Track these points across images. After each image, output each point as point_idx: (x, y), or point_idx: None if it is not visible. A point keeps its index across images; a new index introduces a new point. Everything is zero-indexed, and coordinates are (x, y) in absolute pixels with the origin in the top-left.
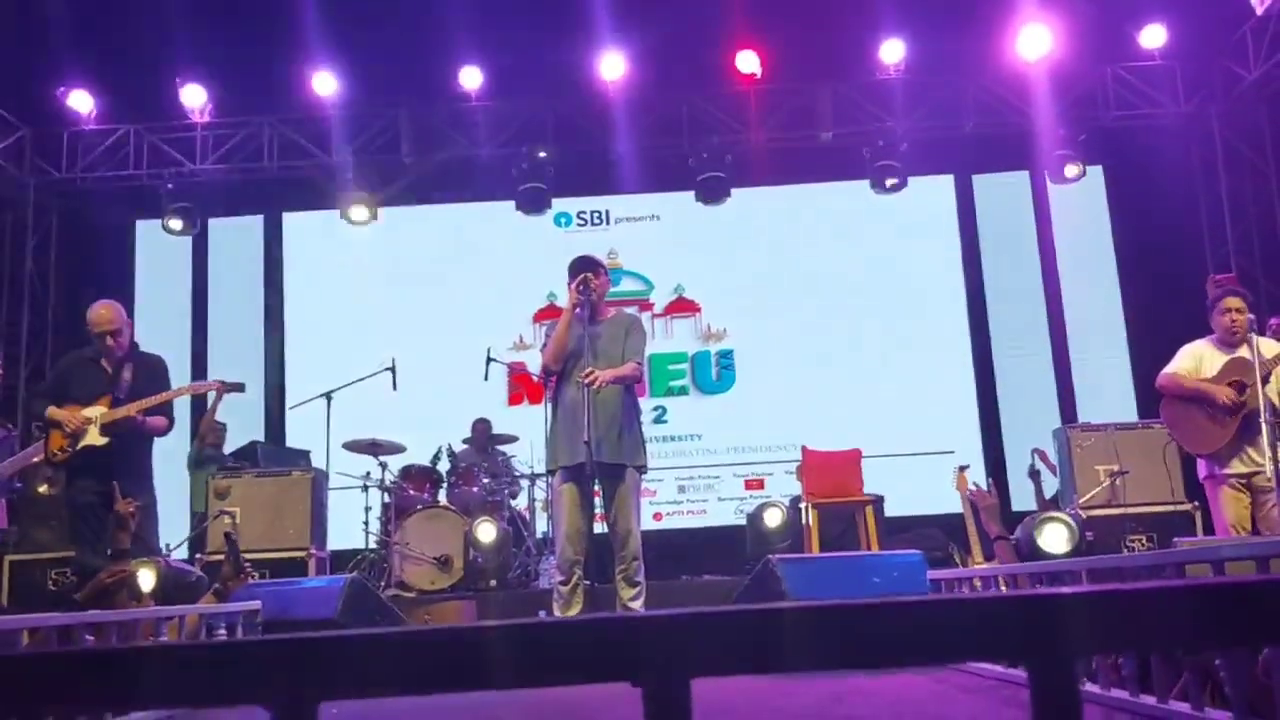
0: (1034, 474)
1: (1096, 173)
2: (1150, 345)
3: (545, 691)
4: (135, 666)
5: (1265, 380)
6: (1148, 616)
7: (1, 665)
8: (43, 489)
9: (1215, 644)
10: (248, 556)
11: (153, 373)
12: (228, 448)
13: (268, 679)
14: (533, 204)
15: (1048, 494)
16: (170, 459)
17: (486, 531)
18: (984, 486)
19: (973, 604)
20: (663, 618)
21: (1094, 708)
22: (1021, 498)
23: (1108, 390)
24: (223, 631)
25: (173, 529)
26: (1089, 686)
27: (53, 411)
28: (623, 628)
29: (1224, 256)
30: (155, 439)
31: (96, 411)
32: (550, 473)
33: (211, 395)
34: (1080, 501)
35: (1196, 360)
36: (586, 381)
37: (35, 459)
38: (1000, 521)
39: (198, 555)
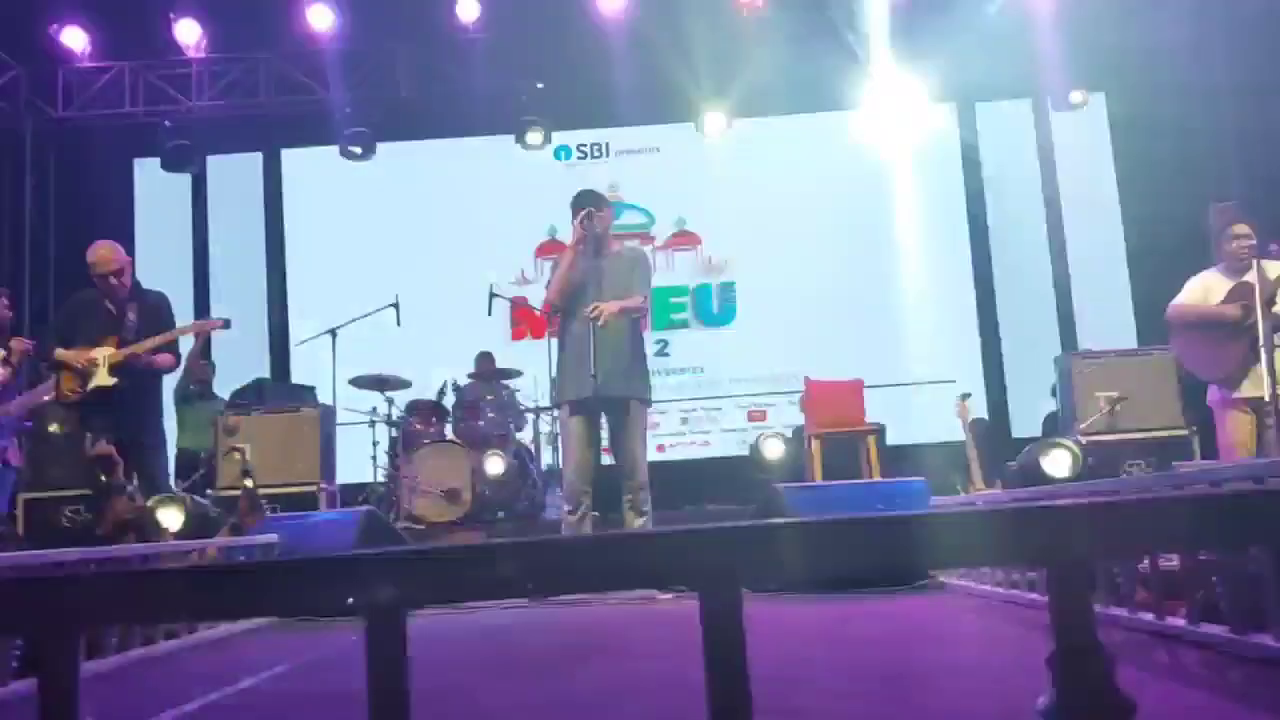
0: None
1: (1099, 99)
2: (1151, 272)
3: (566, 613)
4: (244, 579)
5: (1271, 302)
6: (1150, 524)
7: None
8: (54, 428)
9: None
10: (259, 491)
11: (157, 310)
12: (227, 385)
13: (365, 589)
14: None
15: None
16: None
17: (495, 464)
18: (985, 415)
19: (1001, 513)
20: (719, 530)
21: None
22: (1022, 425)
23: (1108, 317)
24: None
25: None
26: None
27: (61, 353)
28: (683, 540)
29: (1226, 183)
30: (163, 377)
31: (104, 352)
32: (557, 406)
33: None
34: (1080, 428)
35: (1204, 290)
36: (593, 315)
37: (46, 397)
38: None
39: (208, 491)
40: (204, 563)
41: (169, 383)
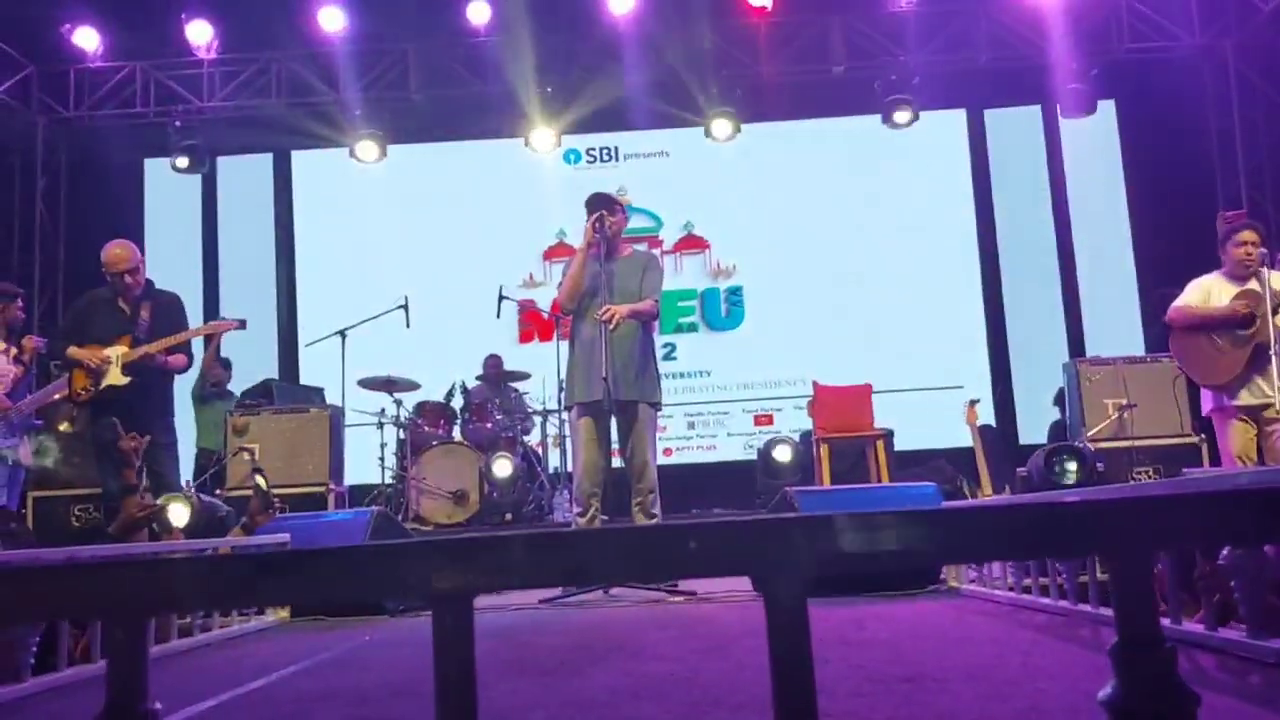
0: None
1: (1108, 106)
2: (1159, 279)
3: (577, 614)
4: (307, 565)
5: (1275, 311)
6: (1218, 517)
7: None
8: (64, 426)
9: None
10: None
11: (170, 310)
12: (238, 386)
13: (431, 574)
14: None
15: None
16: (181, 395)
17: (503, 466)
18: (993, 421)
19: (1069, 506)
20: (783, 521)
21: (1107, 629)
22: (1029, 431)
23: (1116, 324)
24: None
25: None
26: (1102, 609)
27: (74, 351)
28: (749, 531)
29: (1235, 190)
30: (175, 376)
31: (117, 351)
32: (567, 408)
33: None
34: (1089, 434)
35: (1205, 293)
36: (604, 318)
37: (56, 396)
38: None
39: (218, 490)
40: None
41: (185, 383)
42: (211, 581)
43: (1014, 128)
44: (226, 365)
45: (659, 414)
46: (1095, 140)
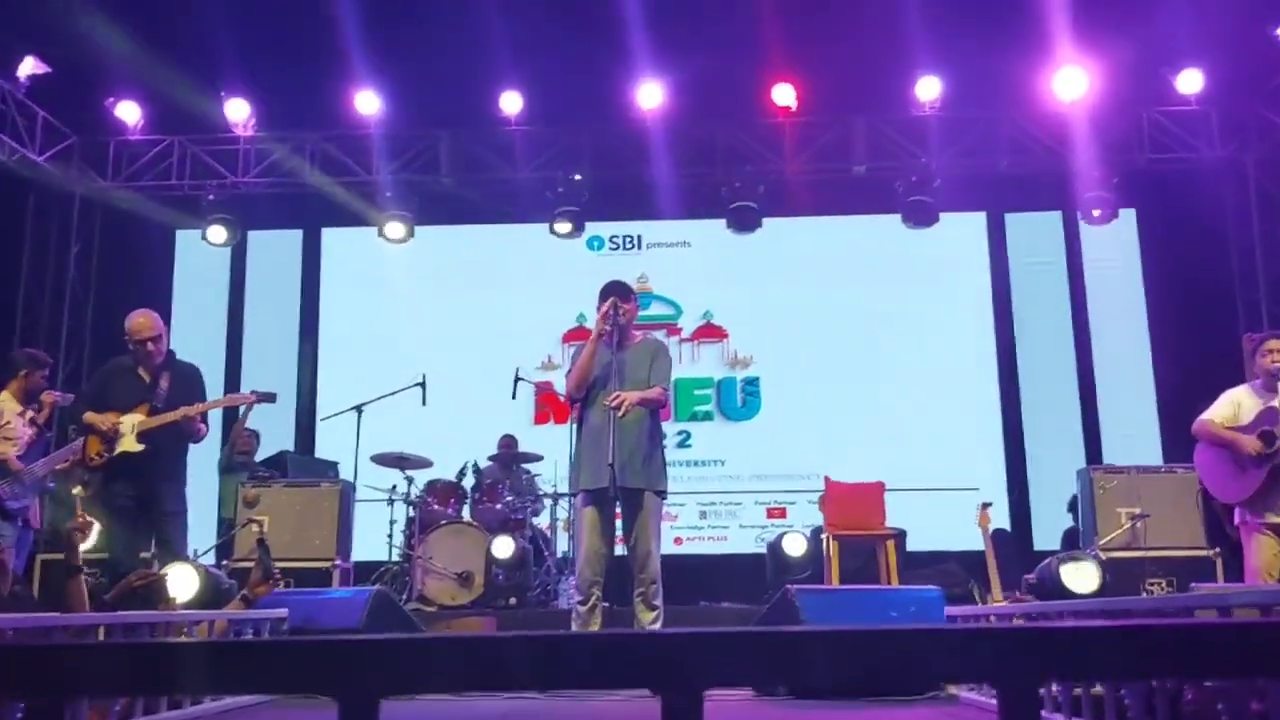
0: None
1: (1129, 215)
2: (1177, 389)
3: (563, 706)
4: (219, 658)
5: None
6: (1089, 652)
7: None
8: (77, 490)
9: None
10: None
11: (189, 381)
12: (260, 456)
13: (336, 673)
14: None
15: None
16: (199, 465)
17: (503, 547)
18: (1008, 525)
19: (949, 633)
20: (681, 635)
21: None
22: (1044, 538)
23: (1133, 432)
24: (250, 637)
25: (200, 533)
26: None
27: (90, 417)
28: (645, 643)
29: (1255, 302)
30: (190, 445)
31: (133, 419)
32: (573, 494)
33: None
34: (1101, 543)
35: (1235, 407)
36: (613, 405)
37: (70, 459)
38: None
39: (224, 561)
40: (197, 639)
41: (208, 453)
42: (114, 669)
43: (1034, 232)
44: (257, 437)
45: (665, 502)
46: (1115, 248)
